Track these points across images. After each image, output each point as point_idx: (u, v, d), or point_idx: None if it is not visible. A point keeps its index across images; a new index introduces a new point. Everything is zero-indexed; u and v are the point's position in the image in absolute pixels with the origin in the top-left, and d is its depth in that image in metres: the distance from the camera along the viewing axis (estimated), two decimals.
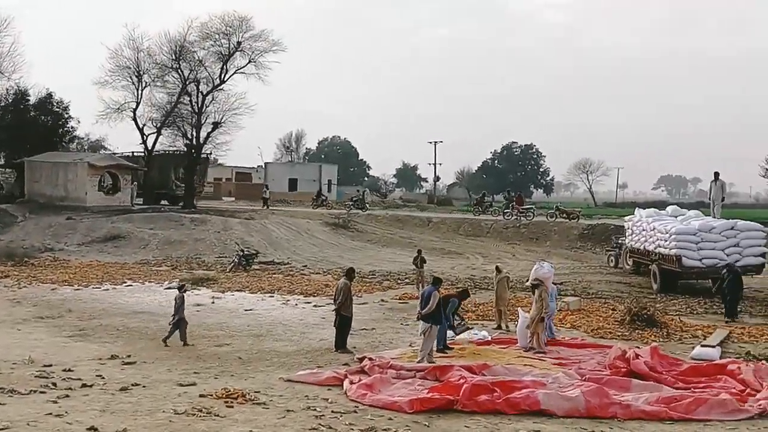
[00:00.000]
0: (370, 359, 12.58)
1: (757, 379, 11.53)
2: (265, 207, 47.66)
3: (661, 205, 42.17)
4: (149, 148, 47.35)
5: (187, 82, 45.46)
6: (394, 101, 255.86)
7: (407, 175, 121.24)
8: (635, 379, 11.57)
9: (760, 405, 10.37)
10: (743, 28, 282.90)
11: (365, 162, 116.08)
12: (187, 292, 16.50)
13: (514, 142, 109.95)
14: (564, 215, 41.32)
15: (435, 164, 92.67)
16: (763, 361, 12.79)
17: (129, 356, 13.42)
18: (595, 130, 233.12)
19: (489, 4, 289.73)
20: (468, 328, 15.92)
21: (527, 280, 16.08)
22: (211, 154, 49.36)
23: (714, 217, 24.11)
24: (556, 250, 34.83)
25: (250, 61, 45.76)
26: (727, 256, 21.99)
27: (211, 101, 45.88)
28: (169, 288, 21.74)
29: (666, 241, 22.63)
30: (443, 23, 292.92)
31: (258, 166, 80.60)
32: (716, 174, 25.36)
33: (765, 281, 24.66)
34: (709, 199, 26.10)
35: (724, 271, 19.06)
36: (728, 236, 22.39)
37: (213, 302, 20.06)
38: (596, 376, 11.66)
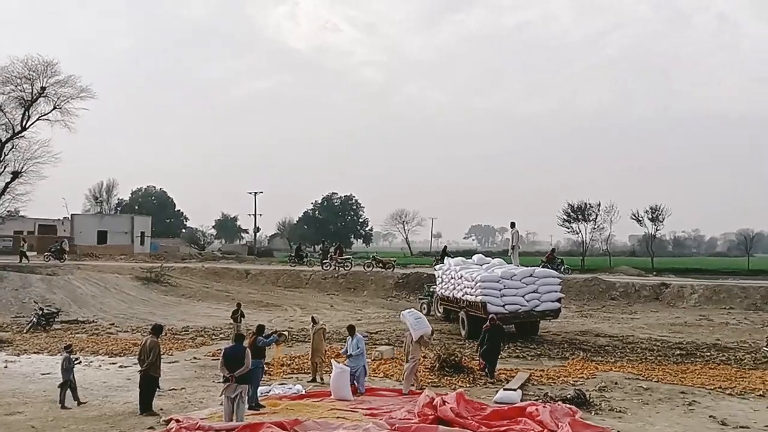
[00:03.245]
0: (177, 421, 12.02)
1: (553, 420, 12.23)
2: (22, 260, 43.20)
3: (471, 253, 44.30)
4: None
5: None
6: (214, 151, 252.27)
7: (227, 227, 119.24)
8: (442, 426, 11.88)
9: None
10: (543, 90, 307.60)
11: (182, 213, 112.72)
12: (74, 354, 15.43)
13: (335, 193, 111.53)
14: (380, 265, 42.26)
15: (255, 215, 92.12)
16: (559, 402, 13.62)
17: None
18: (411, 181, 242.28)
19: (306, 60, 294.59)
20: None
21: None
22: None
23: (515, 265, 25.64)
24: (373, 300, 35.49)
25: (54, 108, 43.29)
26: (527, 301, 23.46)
27: (11, 149, 42.79)
28: None
29: (472, 288, 23.74)
30: (263, 76, 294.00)
31: (63, 218, 75.77)
32: (512, 224, 27.13)
33: (562, 325, 26.51)
34: (510, 247, 27.65)
35: (486, 324, 18.23)
36: (528, 283, 23.84)
37: (5, 366, 18.41)
38: (405, 425, 11.85)
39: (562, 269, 40.69)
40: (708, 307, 33.04)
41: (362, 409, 13.70)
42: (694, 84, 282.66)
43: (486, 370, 17.09)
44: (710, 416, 13.38)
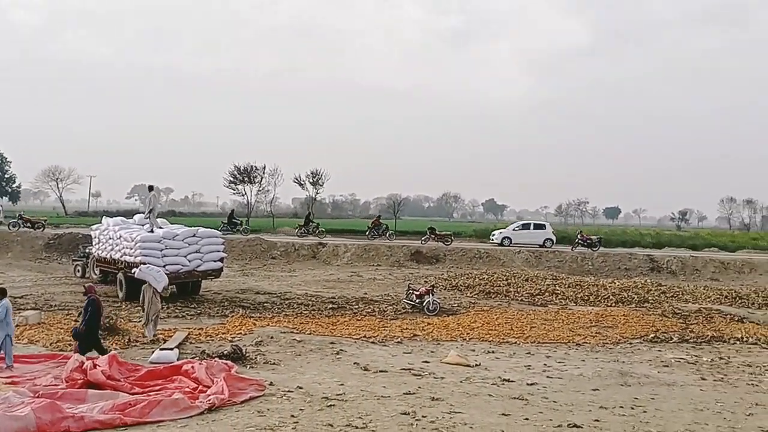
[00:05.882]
0: None
1: (209, 376, 12.37)
2: None
3: (133, 213, 42.58)
4: None
5: None
6: None
7: None
8: (92, 390, 11.38)
9: (209, 400, 11.13)
10: (215, 51, 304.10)
11: None
12: None
13: None
14: (28, 224, 38.83)
15: None
16: (216, 358, 13.81)
17: None
18: (68, 137, 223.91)
19: None
20: None
21: None
22: None
23: (152, 228, 24.48)
24: (19, 262, 32.55)
25: None
26: (189, 261, 23.29)
27: None
28: None
29: (132, 249, 22.90)
30: None
31: None
32: (150, 187, 26.14)
33: (224, 284, 26.82)
34: (147, 210, 26.04)
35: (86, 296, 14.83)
36: (190, 243, 23.63)
37: None
38: (51, 391, 11.14)
39: (387, 234, 44.48)
40: (359, 265, 35.80)
41: (2, 378, 12.56)
42: (355, 56, 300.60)
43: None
44: (355, 363, 14.62)
